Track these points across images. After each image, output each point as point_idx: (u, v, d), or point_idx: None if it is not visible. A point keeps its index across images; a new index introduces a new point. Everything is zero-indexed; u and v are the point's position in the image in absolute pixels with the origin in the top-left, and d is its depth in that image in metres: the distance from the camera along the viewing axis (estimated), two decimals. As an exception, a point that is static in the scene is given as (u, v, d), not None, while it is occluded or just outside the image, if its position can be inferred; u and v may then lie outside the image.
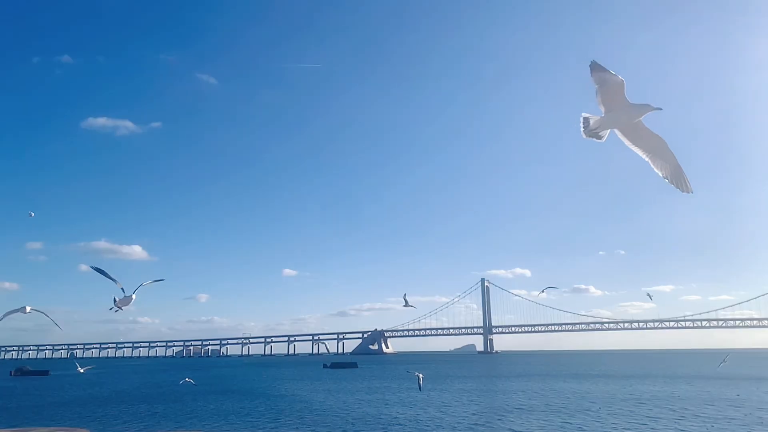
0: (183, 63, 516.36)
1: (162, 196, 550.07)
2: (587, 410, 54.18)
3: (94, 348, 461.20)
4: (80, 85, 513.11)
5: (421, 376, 40.46)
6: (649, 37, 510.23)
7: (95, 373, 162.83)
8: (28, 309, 23.89)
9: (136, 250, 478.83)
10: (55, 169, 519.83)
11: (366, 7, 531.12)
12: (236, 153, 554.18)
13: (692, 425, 44.13)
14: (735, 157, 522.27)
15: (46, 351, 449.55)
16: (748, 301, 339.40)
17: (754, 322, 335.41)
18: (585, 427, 43.58)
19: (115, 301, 22.94)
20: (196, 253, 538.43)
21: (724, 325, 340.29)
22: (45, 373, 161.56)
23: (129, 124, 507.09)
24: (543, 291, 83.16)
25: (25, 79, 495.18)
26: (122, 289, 22.89)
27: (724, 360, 71.71)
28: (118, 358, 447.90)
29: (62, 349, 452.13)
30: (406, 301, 40.22)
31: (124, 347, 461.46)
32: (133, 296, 22.87)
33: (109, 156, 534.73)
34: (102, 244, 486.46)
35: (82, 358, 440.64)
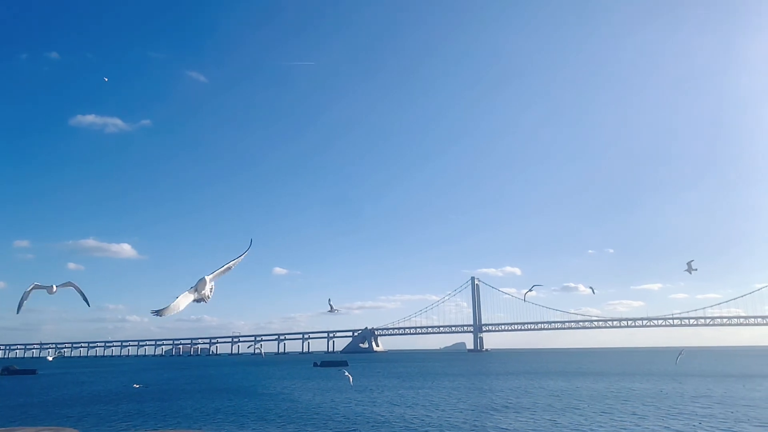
0: (173, 61, 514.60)
1: (151, 194, 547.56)
2: (575, 408, 54.45)
3: (82, 347, 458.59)
4: (68, 82, 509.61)
5: (350, 376, 40.49)
6: (643, 36, 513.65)
7: (83, 372, 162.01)
8: (54, 288, 21.72)
9: (125, 249, 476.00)
10: (42, 167, 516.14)
11: (363, 7, 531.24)
12: (227, 151, 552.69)
13: (679, 423, 44.47)
14: (723, 157, 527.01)
15: (34, 350, 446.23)
16: (735, 299, 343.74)
17: (741, 320, 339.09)
18: (573, 425, 43.78)
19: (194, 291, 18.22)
20: (185, 251, 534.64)
21: (711, 323, 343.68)
22: (32, 372, 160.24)
23: (118, 121, 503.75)
24: (530, 290, 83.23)
25: (12, 75, 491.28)
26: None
27: (680, 353, 72.48)
28: (106, 357, 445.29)
29: (50, 347, 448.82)
30: (331, 306, 40.23)
31: (113, 346, 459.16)
32: (207, 279, 18.21)
33: (98, 154, 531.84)
34: (90, 242, 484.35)
35: (71, 357, 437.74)
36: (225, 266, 18.60)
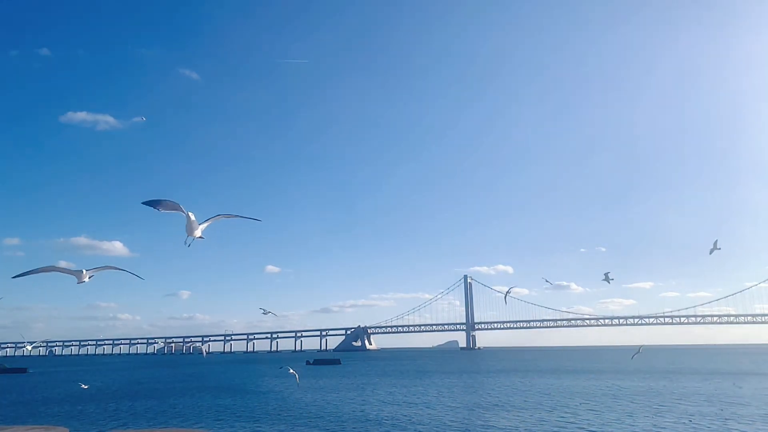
0: (165, 58, 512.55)
1: (143, 192, 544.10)
2: (566, 406, 54.69)
3: (73, 345, 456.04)
4: (59, 79, 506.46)
5: (296, 374, 40.55)
6: (635, 34, 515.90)
7: (74, 371, 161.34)
8: (84, 274, 19.10)
9: (117, 247, 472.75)
10: (34, 164, 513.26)
11: (354, 4, 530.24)
12: (219, 148, 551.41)
13: (668, 421, 44.78)
14: (715, 156, 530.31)
15: (24, 349, 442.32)
16: (725, 297, 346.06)
17: (731, 318, 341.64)
18: (563, 423, 43.99)
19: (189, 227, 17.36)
20: (177, 249, 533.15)
21: (702, 321, 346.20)
22: (23, 370, 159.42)
23: (110, 119, 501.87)
24: (509, 292, 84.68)
25: (3, 72, 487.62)
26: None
27: (638, 350, 72.94)
28: (98, 355, 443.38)
29: (41, 346, 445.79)
30: (268, 311, 40.68)
31: (104, 344, 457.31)
32: (187, 211, 17.42)
33: (90, 151, 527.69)
34: (82, 240, 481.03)
35: (61, 355, 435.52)
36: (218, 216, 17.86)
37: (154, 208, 17.05)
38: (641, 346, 73.80)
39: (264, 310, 40.64)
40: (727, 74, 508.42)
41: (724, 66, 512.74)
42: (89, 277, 19.32)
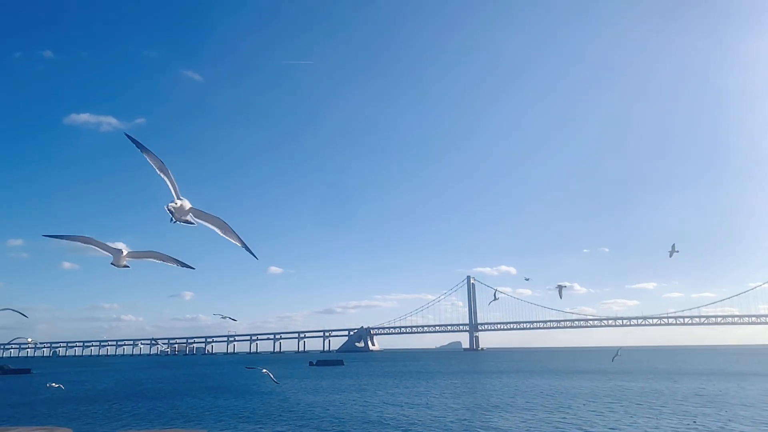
0: (168, 59, 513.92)
1: (146, 193, 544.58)
2: (568, 407, 54.58)
3: (77, 346, 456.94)
4: (63, 81, 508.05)
5: (270, 373, 40.71)
6: (637, 35, 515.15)
7: (77, 372, 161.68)
8: (123, 255, 17.42)
9: (120, 248, 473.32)
10: (37, 166, 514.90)
11: (361, 7, 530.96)
12: (221, 151, 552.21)
13: (672, 422, 44.66)
14: (718, 156, 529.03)
15: (28, 349, 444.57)
16: (729, 298, 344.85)
17: (735, 319, 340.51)
18: (565, 424, 43.93)
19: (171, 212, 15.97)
20: (178, 250, 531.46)
21: (706, 322, 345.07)
22: (27, 371, 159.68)
23: (112, 120, 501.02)
24: (495, 297, 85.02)
25: (6, 74, 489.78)
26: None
27: (617, 353, 73.49)
28: (101, 356, 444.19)
29: (45, 347, 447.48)
30: (226, 317, 40.77)
31: (108, 345, 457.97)
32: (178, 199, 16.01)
33: (92, 152, 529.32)
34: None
35: (65, 356, 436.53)
36: (215, 224, 16.18)
37: (141, 150, 14.99)
38: (620, 348, 74.98)
39: (222, 315, 40.61)
40: (729, 74, 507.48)
41: (726, 65, 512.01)
42: (125, 264, 17.87)
